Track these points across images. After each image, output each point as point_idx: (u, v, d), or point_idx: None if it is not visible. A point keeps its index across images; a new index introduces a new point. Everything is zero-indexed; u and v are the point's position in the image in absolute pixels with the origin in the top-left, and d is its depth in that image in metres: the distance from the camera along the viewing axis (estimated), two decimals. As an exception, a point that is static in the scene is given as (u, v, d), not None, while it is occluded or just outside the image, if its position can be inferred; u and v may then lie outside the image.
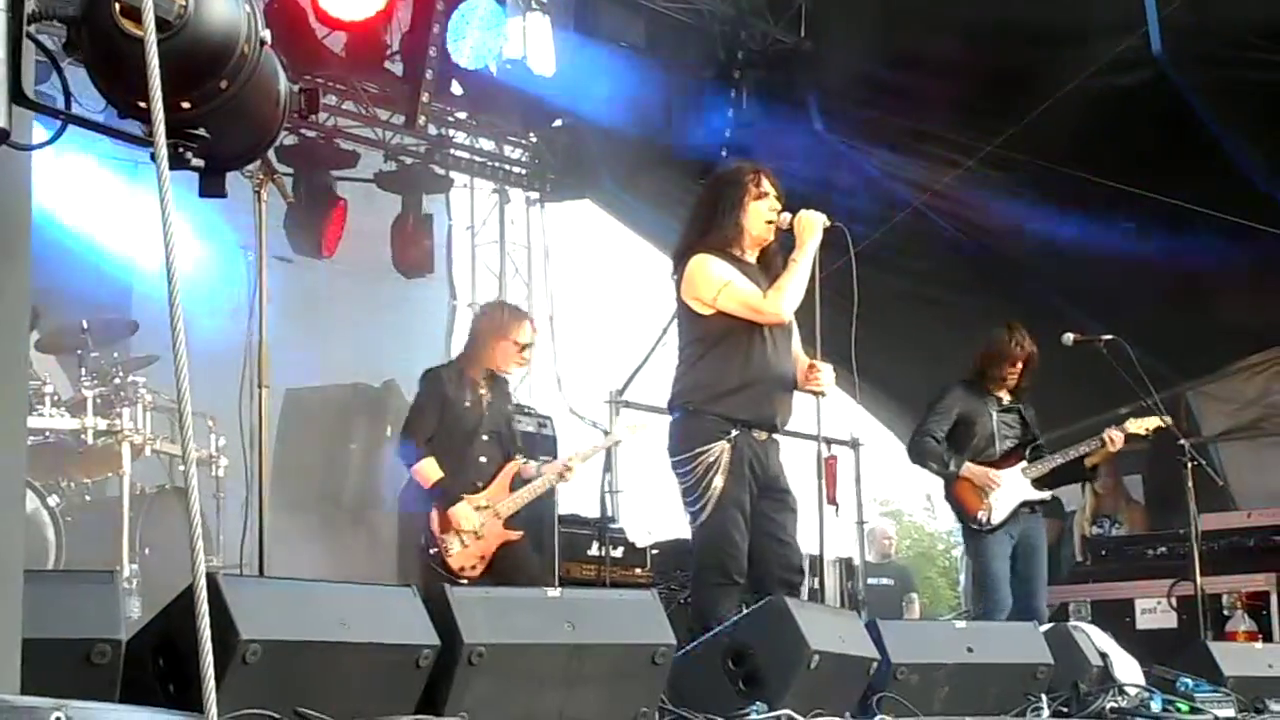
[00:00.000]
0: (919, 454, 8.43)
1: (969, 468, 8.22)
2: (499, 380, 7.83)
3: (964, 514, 8.28)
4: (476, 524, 7.39)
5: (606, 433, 9.52)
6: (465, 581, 7.23)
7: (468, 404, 7.57)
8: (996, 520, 8.17)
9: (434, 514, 7.36)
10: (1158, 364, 9.40)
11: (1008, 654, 5.98)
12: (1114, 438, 8.29)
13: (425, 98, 10.05)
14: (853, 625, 5.69)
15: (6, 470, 3.02)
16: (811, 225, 6.34)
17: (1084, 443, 8.38)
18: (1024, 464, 8.28)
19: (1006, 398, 8.43)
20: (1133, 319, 9.48)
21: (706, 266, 6.37)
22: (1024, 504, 8.26)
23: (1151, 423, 8.37)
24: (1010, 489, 8.22)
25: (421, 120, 10.39)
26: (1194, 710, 6.16)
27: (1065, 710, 5.99)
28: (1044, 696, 5.90)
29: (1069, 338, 8.43)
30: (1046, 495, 8.42)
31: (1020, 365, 8.34)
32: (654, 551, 9.71)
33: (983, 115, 10.16)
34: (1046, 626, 6.64)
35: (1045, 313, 9.51)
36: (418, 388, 7.72)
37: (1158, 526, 10.56)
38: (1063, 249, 10.76)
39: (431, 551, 7.30)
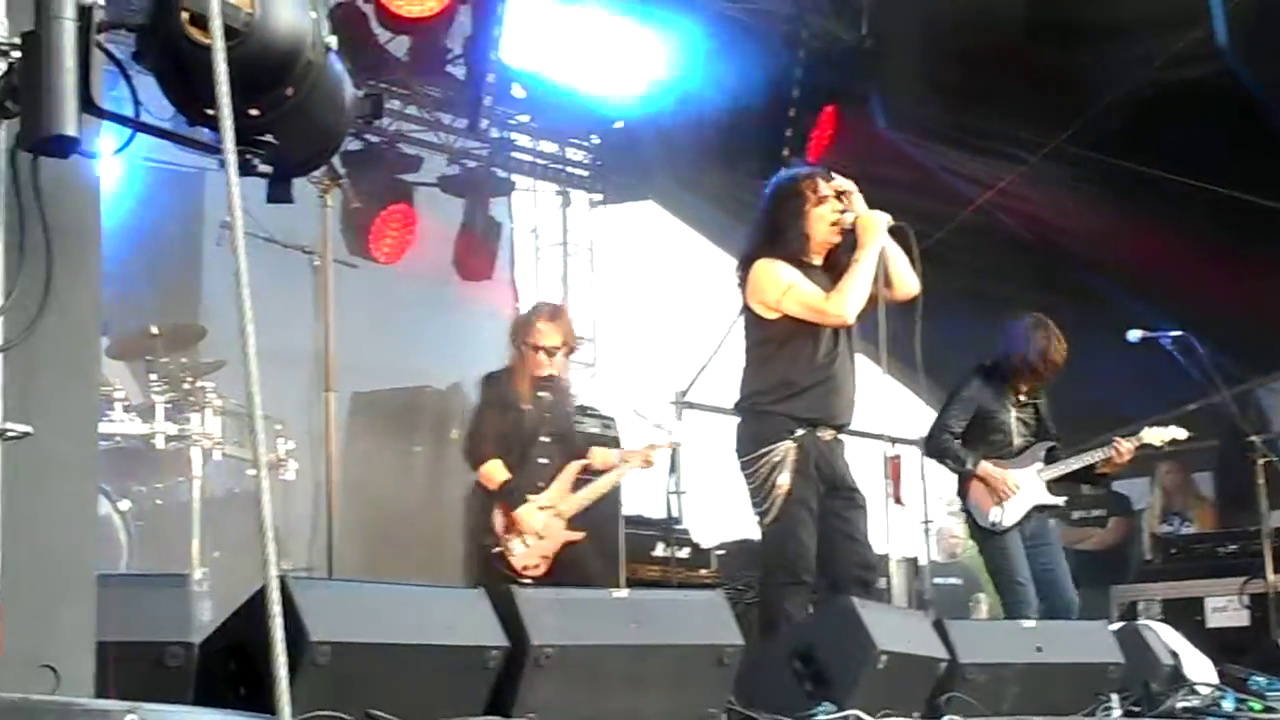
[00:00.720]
0: (936, 449, 8.10)
1: (985, 468, 7.91)
2: (557, 382, 7.83)
3: (977, 513, 8.07)
4: (540, 525, 7.41)
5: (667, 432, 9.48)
6: (528, 581, 7.24)
7: (526, 406, 7.58)
8: (1009, 523, 7.94)
9: (498, 515, 7.38)
10: (1226, 360, 9.31)
11: (1077, 653, 5.95)
12: (1122, 449, 7.99)
13: (487, 101, 10.07)
14: (920, 625, 5.67)
15: (80, 475, 3.06)
16: (873, 225, 6.33)
17: (1097, 449, 8.09)
18: (1039, 465, 8.06)
19: (1024, 393, 8.18)
20: (1200, 315, 9.40)
21: (771, 270, 6.38)
22: (1039, 508, 8.07)
23: (1168, 434, 8.08)
24: (1025, 492, 8.03)
25: (484, 124, 10.41)
26: (1267, 709, 6.11)
27: (1136, 710, 5.96)
28: (1115, 696, 5.87)
29: (1135, 334, 8.32)
30: (1060, 501, 8.18)
31: (1044, 361, 8.08)
32: (719, 552, 9.70)
33: (1046, 111, 10.09)
34: (1117, 625, 6.59)
35: (1110, 309, 9.46)
36: (479, 391, 7.73)
37: (1228, 524, 10.46)
38: (1128, 245, 10.69)
39: (495, 551, 7.32)
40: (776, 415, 6.29)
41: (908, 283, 6.47)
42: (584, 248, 13.27)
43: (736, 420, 6.54)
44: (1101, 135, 9.77)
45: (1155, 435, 8.08)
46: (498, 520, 7.35)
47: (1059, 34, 9.56)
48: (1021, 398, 8.10)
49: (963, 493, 8.06)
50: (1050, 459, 8.05)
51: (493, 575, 7.16)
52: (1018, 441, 8.03)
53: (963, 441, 8.00)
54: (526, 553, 7.36)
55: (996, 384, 8.07)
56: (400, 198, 10.54)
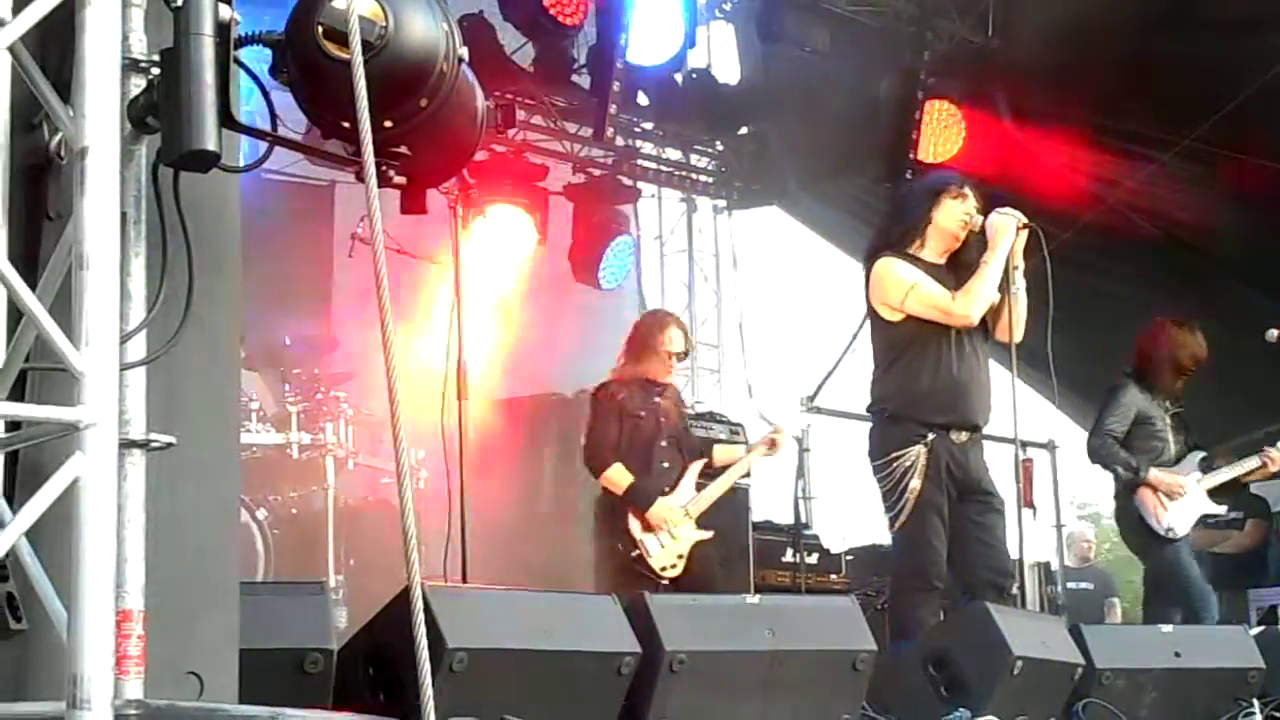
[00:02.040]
0: (1102, 455, 7.98)
1: (1155, 474, 7.90)
2: (669, 387, 7.85)
3: (1148, 520, 7.96)
4: (677, 517, 7.44)
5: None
6: (666, 582, 7.27)
7: (642, 413, 7.60)
8: (1183, 530, 7.85)
9: (632, 517, 7.40)
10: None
11: (1217, 659, 5.85)
12: (1275, 456, 7.89)
13: (612, 109, 10.11)
14: (1056, 630, 5.61)
15: (221, 485, 3.11)
16: (1004, 226, 6.27)
17: (1251, 457, 7.97)
18: (1197, 475, 7.97)
19: (1171, 400, 8.10)
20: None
21: (892, 270, 6.34)
22: (1205, 517, 7.96)
23: None
24: (1192, 498, 7.92)
25: (609, 132, 10.46)
26: None
27: (1278, 715, 5.85)
28: (1255, 702, 5.77)
29: (1273, 334, 8.17)
30: (1222, 510, 8.08)
31: (1190, 365, 8.00)
32: (849, 558, 9.65)
33: (1176, 109, 9.95)
34: (1257, 630, 6.48)
35: (1244, 310, 9.28)
36: (593, 401, 7.75)
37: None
38: (1261, 244, 10.51)
39: (634, 555, 7.34)
40: (906, 420, 6.26)
41: (1018, 330, 6.40)
42: (709, 254, 13.28)
43: (868, 425, 6.52)
44: (1233, 132, 9.62)
45: None
46: (634, 524, 7.38)
47: (1190, 29, 9.42)
48: (1169, 404, 8.04)
49: (1128, 501, 7.97)
50: (1206, 468, 7.97)
51: (632, 580, 7.18)
52: (1173, 449, 7.97)
53: (1132, 446, 7.96)
54: (663, 553, 7.39)
55: (1147, 390, 8.02)
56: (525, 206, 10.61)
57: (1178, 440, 8.00)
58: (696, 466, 7.73)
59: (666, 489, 7.54)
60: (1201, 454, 8.01)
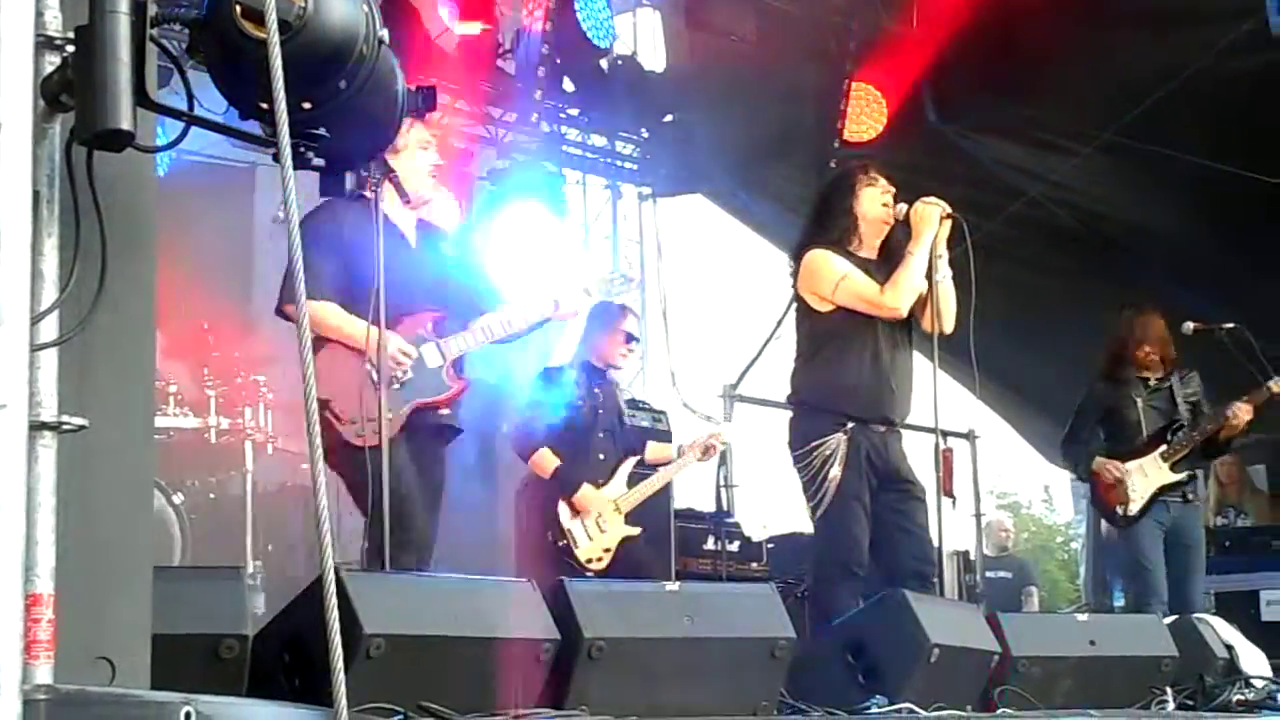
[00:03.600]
0: (1064, 458, 8.55)
1: (1098, 464, 8.16)
2: (608, 376, 7.86)
3: (1103, 506, 8.22)
4: (603, 507, 7.43)
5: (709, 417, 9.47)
6: (591, 574, 7.26)
7: (582, 401, 7.60)
8: (1134, 511, 8.05)
9: (561, 504, 7.39)
10: (1281, 352, 9.24)
11: (1131, 647, 5.91)
12: (1240, 410, 8.13)
13: (537, 95, 10.09)
14: (973, 618, 5.65)
15: (136, 469, 3.07)
16: (929, 215, 6.30)
17: (1209, 422, 8.20)
18: (1164, 448, 8.15)
19: (1155, 377, 8.31)
20: (1256, 308, 9.31)
21: (824, 261, 6.36)
22: (1165, 489, 8.12)
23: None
24: (1147, 477, 8.08)
25: (534, 118, 10.43)
26: (1323, 703, 6.06)
27: (1191, 703, 5.92)
28: (1169, 689, 5.83)
29: (1189, 326, 8.31)
30: (1183, 476, 8.21)
31: (1150, 344, 8.20)
32: (770, 545, 9.68)
33: (1099, 102, 10.03)
34: (1170, 619, 6.55)
35: (1165, 302, 9.36)
36: (533, 386, 7.74)
37: (1283, 517, 10.40)
38: (1182, 237, 10.62)
39: (560, 544, 7.34)
40: (827, 410, 6.27)
41: (947, 320, 6.43)
42: (633, 242, 13.26)
43: (788, 414, 6.53)
44: (1155, 126, 9.70)
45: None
46: (564, 512, 7.37)
47: (1112, 25, 9.50)
48: (1152, 382, 8.28)
49: (1093, 495, 8.35)
50: (1174, 439, 8.16)
51: (557, 569, 7.17)
52: (1147, 431, 8.21)
53: (1105, 439, 8.31)
54: (591, 545, 7.38)
55: (1119, 379, 8.30)
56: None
57: (1161, 420, 8.24)
58: (630, 462, 7.73)
59: (600, 481, 7.54)
60: (1175, 426, 8.18)
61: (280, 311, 5.76)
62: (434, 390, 5.83)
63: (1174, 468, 8.12)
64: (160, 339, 8.06)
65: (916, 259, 6.27)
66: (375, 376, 5.46)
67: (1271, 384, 8.10)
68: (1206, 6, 9.34)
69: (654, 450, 8.09)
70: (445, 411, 5.91)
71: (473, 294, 6.15)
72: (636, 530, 7.60)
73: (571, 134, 11.95)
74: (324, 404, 5.54)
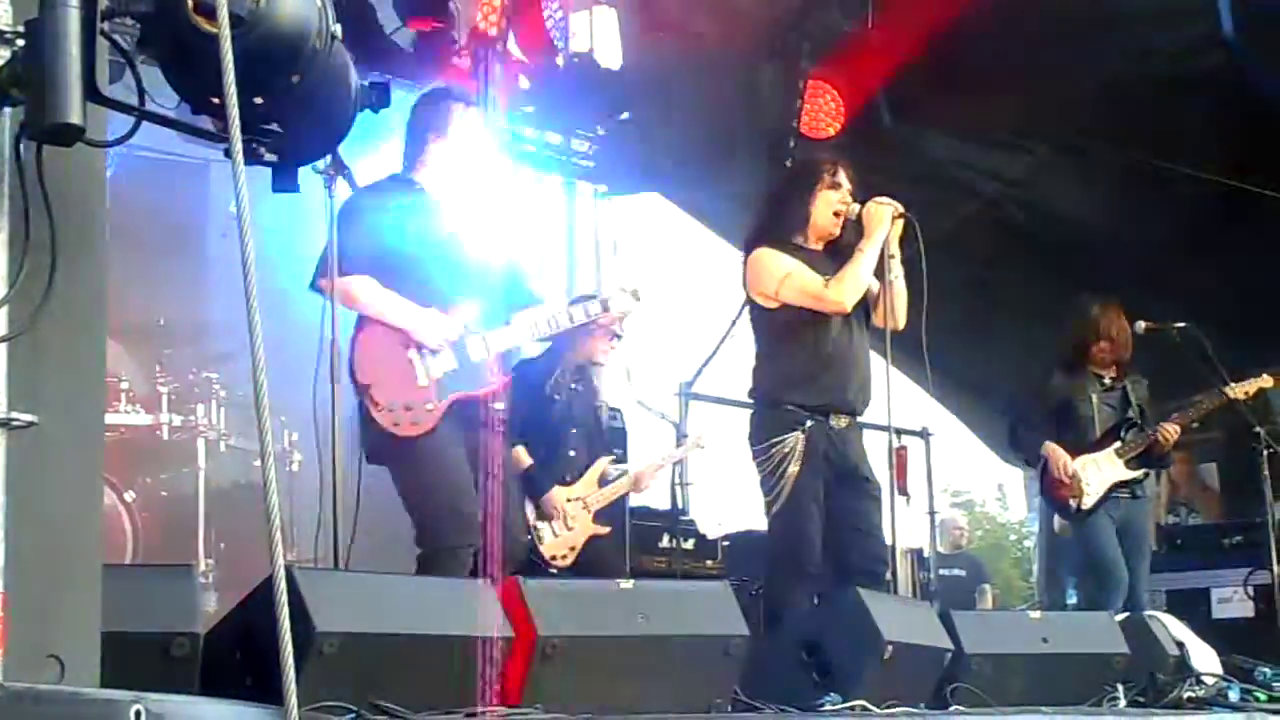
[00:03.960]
0: (1012, 443, 8.49)
1: (1049, 448, 8.15)
2: (587, 373, 7.84)
3: (1055, 500, 8.23)
4: (574, 509, 7.42)
5: (684, 436, 9.50)
6: (555, 571, 7.24)
7: (557, 397, 7.58)
8: (1087, 505, 8.08)
9: (528, 503, 7.36)
10: (1232, 352, 9.29)
11: (1083, 644, 5.95)
12: (1168, 428, 8.24)
13: (492, 93, 10.06)
14: (926, 616, 5.67)
15: (85, 466, 3.05)
16: (881, 215, 6.33)
17: (1174, 419, 8.30)
18: (1118, 445, 8.20)
19: (1110, 376, 8.34)
20: (1208, 307, 9.38)
21: (768, 260, 6.39)
22: (1118, 485, 8.17)
23: (1253, 385, 8.34)
24: (1101, 471, 8.12)
25: (488, 114, 10.39)
26: (1272, 699, 6.10)
27: (1142, 700, 5.95)
28: (1120, 686, 5.86)
29: (1141, 325, 8.35)
30: (1139, 474, 8.27)
31: (1108, 342, 8.23)
32: (725, 543, 9.69)
33: (1053, 102, 10.07)
34: (1121, 616, 6.59)
35: (1118, 300, 9.44)
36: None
37: (1233, 514, 10.45)
38: (1135, 236, 10.67)
39: (525, 539, 7.32)
40: (785, 406, 6.29)
41: (899, 318, 6.46)
42: (589, 240, 13.24)
43: (746, 411, 6.55)
44: (1109, 126, 9.76)
45: (1241, 389, 8.31)
46: (528, 509, 7.35)
47: (1066, 25, 9.53)
48: (1106, 381, 8.30)
49: (1043, 483, 8.29)
50: (1128, 437, 8.20)
51: (520, 565, 7.16)
52: (1101, 426, 8.21)
53: (1055, 431, 8.23)
54: (556, 542, 7.37)
55: (1077, 372, 8.29)
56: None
57: (1113, 417, 8.27)
58: (604, 461, 7.72)
59: (569, 478, 7.53)
60: (1130, 424, 8.21)
61: (314, 286, 5.73)
62: (477, 383, 5.81)
63: (1129, 464, 8.19)
64: (112, 335, 8.04)
65: (866, 256, 6.31)
66: (418, 359, 5.47)
67: (1229, 389, 8.17)
68: (1161, 8, 9.39)
69: (616, 466, 8.09)
70: (500, 405, 5.88)
71: (515, 287, 6.13)
72: (606, 529, 7.59)
73: (526, 132, 11.92)
74: (363, 388, 5.56)
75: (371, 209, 5.67)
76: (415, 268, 5.66)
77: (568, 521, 7.41)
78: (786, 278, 6.32)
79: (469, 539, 5.53)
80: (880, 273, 6.35)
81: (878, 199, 6.40)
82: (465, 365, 5.75)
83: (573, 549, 7.44)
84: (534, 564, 7.22)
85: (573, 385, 7.65)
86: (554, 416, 7.55)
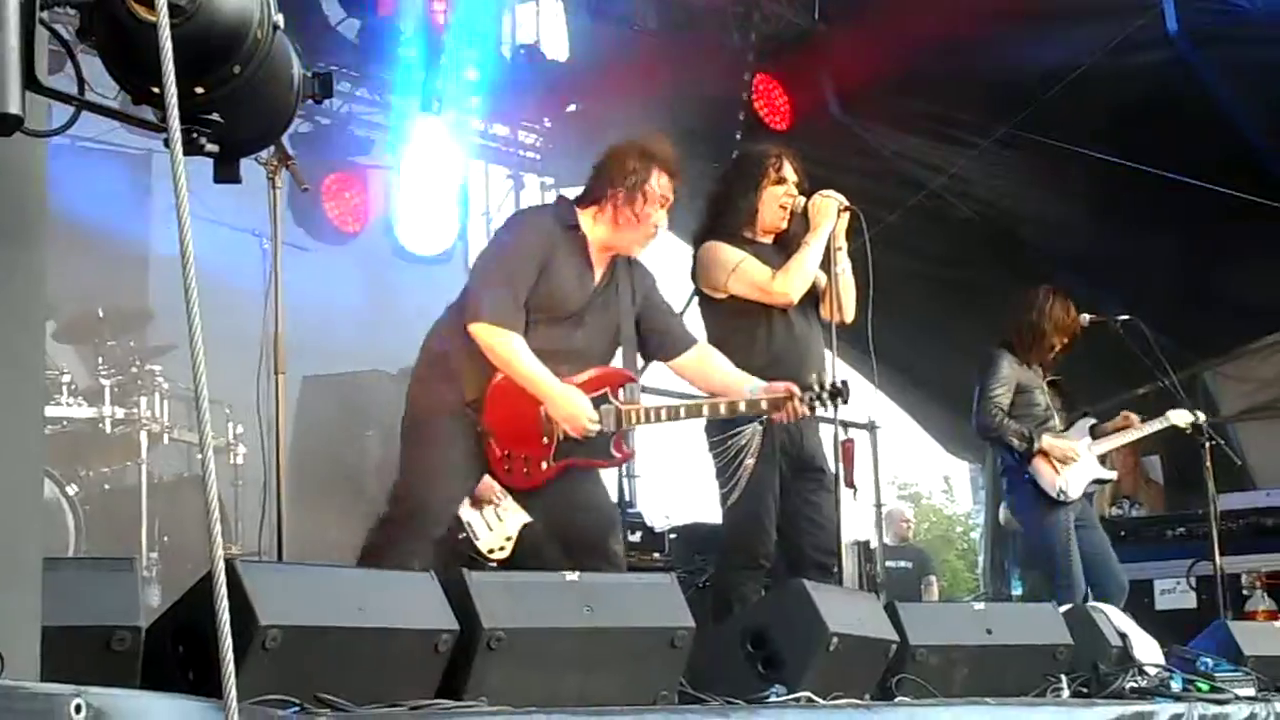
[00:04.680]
0: (992, 429, 8.11)
1: (1049, 441, 8.06)
2: None
3: (1043, 486, 8.07)
4: (504, 499, 7.39)
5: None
6: (495, 565, 7.22)
7: None
8: (1074, 494, 8.05)
9: None
10: (1174, 344, 9.39)
11: (1027, 635, 5.97)
12: (1134, 420, 8.32)
13: (439, 84, 10.04)
14: (871, 607, 5.68)
15: (25, 458, 3.02)
16: (826, 208, 6.36)
17: (1153, 423, 8.37)
18: (1088, 441, 8.19)
19: (1045, 366, 8.32)
20: (1149, 300, 9.47)
21: (715, 253, 6.41)
22: (1095, 482, 8.21)
23: (1188, 418, 8.41)
24: (1085, 463, 8.13)
25: (435, 106, 10.37)
26: (1214, 689, 6.15)
27: (1085, 690, 5.98)
28: (1064, 677, 5.89)
29: (1084, 318, 8.36)
30: (1113, 475, 8.31)
31: (1060, 332, 8.19)
32: (672, 536, 9.70)
33: (998, 96, 10.13)
34: (1065, 607, 6.62)
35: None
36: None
37: (1176, 507, 10.56)
38: (1078, 229, 10.74)
39: (460, 536, 7.28)
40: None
41: (848, 311, 6.46)
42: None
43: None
44: (1052, 120, 9.81)
45: (1180, 417, 8.37)
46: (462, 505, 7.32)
47: (1011, 20, 9.58)
48: (1042, 375, 8.30)
49: (1017, 471, 8.15)
50: (1096, 434, 8.24)
51: (458, 562, 7.13)
52: (1057, 417, 8.18)
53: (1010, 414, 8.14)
54: (491, 536, 7.34)
55: (1021, 360, 8.21)
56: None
57: (1056, 408, 8.24)
58: None
59: None
60: (1091, 421, 8.23)
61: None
62: (596, 454, 5.74)
63: (1102, 462, 8.18)
64: (53, 327, 7.98)
65: (811, 249, 6.33)
66: (547, 424, 5.48)
67: (1171, 415, 8.25)
68: (1104, 3, 9.44)
69: None
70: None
71: (663, 341, 6.00)
72: (531, 518, 7.56)
73: (473, 123, 11.90)
74: (485, 433, 5.61)
75: (539, 251, 5.60)
76: (562, 317, 5.62)
77: (499, 512, 7.37)
78: (734, 271, 6.34)
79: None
80: (826, 266, 6.36)
81: (823, 192, 6.41)
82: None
83: (509, 539, 7.40)
84: (473, 560, 7.19)
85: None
86: None
